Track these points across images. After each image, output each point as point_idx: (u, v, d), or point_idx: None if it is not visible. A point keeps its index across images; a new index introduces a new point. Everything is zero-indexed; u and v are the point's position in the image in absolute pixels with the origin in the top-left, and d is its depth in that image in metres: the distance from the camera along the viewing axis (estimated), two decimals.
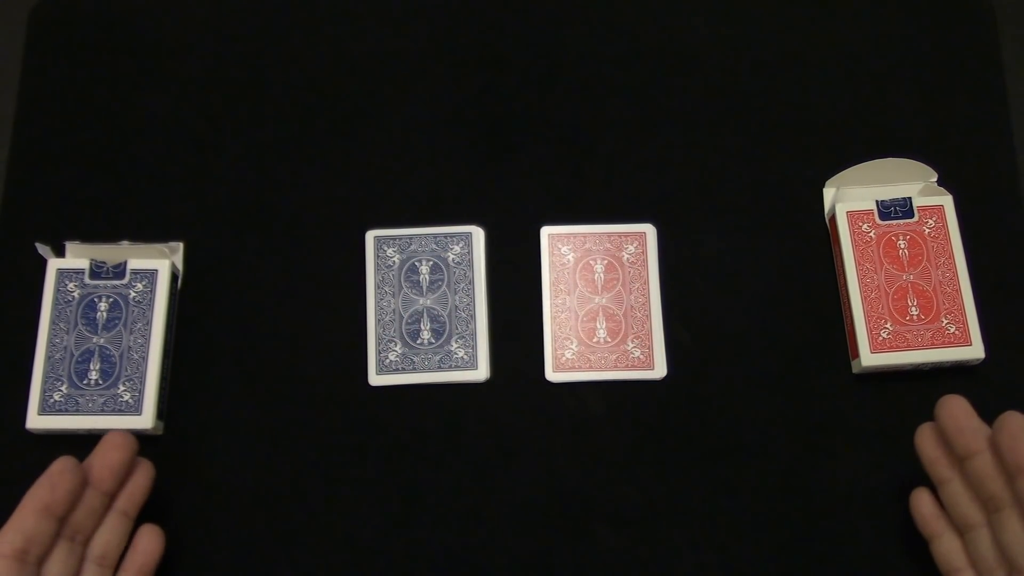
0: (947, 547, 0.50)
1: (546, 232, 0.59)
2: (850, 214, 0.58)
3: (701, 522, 0.55)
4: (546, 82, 0.63)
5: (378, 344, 0.57)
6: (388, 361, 0.57)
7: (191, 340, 0.58)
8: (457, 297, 0.58)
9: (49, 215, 0.60)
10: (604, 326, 0.58)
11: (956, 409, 0.49)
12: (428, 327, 0.57)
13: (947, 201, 0.58)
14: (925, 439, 0.50)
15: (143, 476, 0.52)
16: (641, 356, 0.57)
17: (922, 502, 0.51)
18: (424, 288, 0.58)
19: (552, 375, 0.57)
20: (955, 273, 0.57)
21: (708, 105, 0.62)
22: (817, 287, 0.59)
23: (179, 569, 0.54)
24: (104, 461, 0.50)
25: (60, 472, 0.48)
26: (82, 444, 0.56)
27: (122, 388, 0.55)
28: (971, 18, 0.64)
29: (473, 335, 0.57)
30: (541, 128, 0.62)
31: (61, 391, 0.55)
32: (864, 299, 0.56)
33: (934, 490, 0.51)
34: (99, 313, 0.56)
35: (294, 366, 0.57)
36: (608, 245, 0.59)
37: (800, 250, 0.60)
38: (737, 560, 0.54)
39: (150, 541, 0.51)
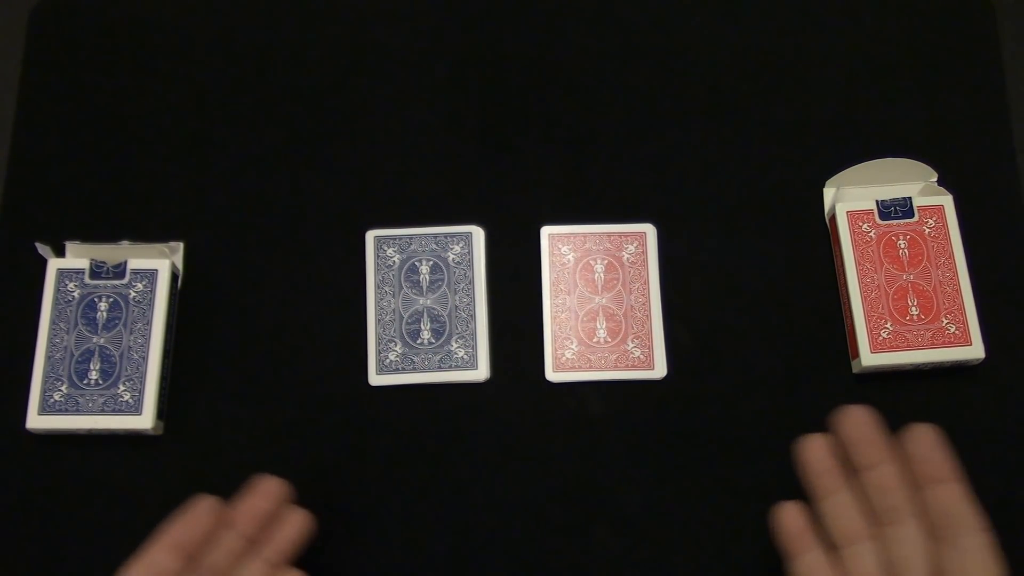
0: (812, 564, 0.46)
1: (546, 232, 0.59)
2: (850, 214, 0.58)
3: (701, 522, 0.55)
4: (546, 82, 0.63)
5: (378, 344, 0.57)
6: (388, 361, 0.57)
7: (191, 340, 0.58)
8: (457, 297, 0.58)
9: (49, 215, 0.60)
10: (604, 326, 0.58)
11: (862, 419, 0.47)
12: (428, 327, 0.57)
13: (947, 201, 0.58)
14: (815, 450, 0.48)
15: (295, 527, 0.49)
16: (641, 356, 0.57)
17: (792, 516, 0.48)
18: (424, 288, 0.58)
19: (552, 375, 0.57)
20: (955, 273, 0.57)
21: (708, 105, 0.62)
22: (817, 287, 0.59)
23: None
24: (250, 507, 0.48)
25: (199, 510, 0.47)
26: (82, 444, 0.56)
27: (122, 388, 0.55)
28: (971, 18, 0.64)
29: (473, 335, 0.57)
30: (541, 128, 0.62)
31: (61, 391, 0.55)
32: (864, 299, 0.56)
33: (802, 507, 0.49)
34: (99, 313, 0.56)
35: (294, 366, 0.57)
36: (608, 245, 0.59)
37: (800, 250, 0.60)
38: (737, 560, 0.54)
39: None
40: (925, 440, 0.46)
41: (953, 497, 0.45)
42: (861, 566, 0.45)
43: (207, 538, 0.47)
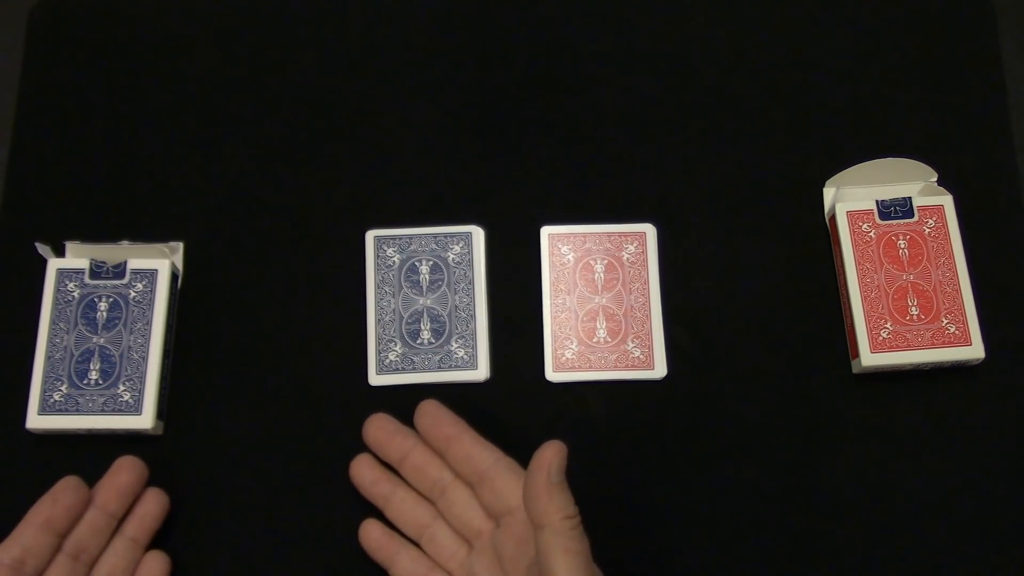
0: (407, 561, 0.51)
1: (546, 232, 0.59)
2: (850, 214, 0.58)
3: (701, 522, 0.55)
4: (546, 82, 0.63)
5: (378, 344, 0.57)
6: (388, 361, 0.57)
7: (191, 340, 0.58)
8: (457, 297, 0.58)
9: (49, 215, 0.60)
10: (604, 326, 0.58)
11: (378, 424, 0.53)
12: (428, 327, 0.57)
13: (947, 201, 0.58)
14: (360, 467, 0.53)
15: (155, 504, 0.52)
16: (641, 356, 0.57)
17: (372, 533, 0.52)
18: (424, 288, 0.58)
19: (552, 375, 0.57)
20: (955, 273, 0.57)
21: (708, 105, 0.62)
22: (817, 287, 0.59)
23: (179, 569, 0.54)
24: (110, 483, 0.51)
25: (63, 488, 0.49)
26: (82, 444, 0.56)
27: (122, 388, 0.55)
28: (971, 18, 0.64)
29: (473, 335, 0.57)
30: (541, 128, 0.62)
31: (61, 391, 0.55)
32: (864, 299, 0.56)
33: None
34: (99, 313, 0.56)
35: (294, 366, 0.57)
36: (608, 245, 0.59)
37: (800, 250, 0.60)
38: (737, 560, 0.54)
39: (156, 566, 0.52)
40: (428, 411, 0.52)
41: (466, 445, 0.50)
42: (436, 545, 0.51)
43: (71, 515, 0.49)
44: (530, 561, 0.47)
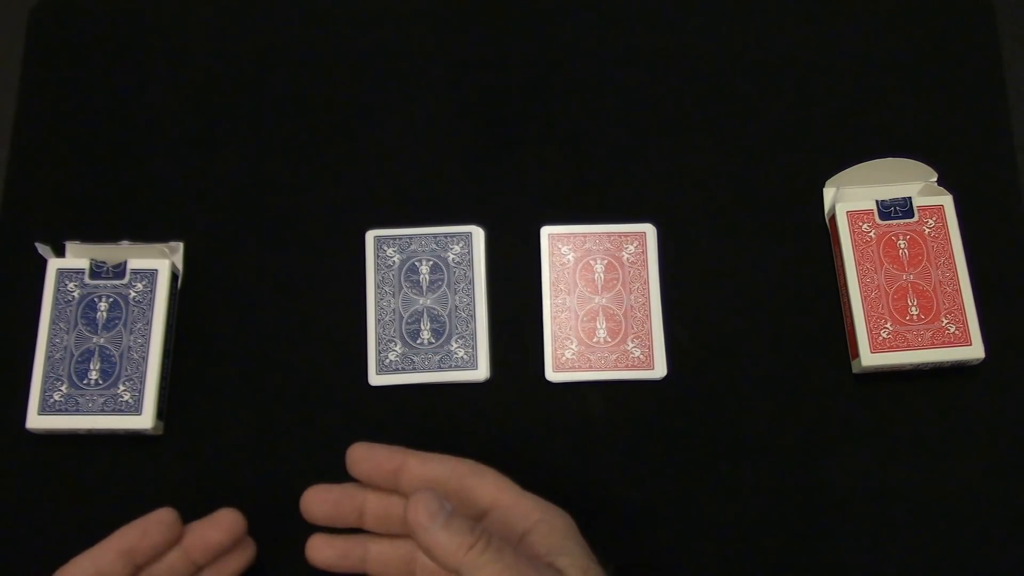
0: (378, 552, 0.50)
1: (546, 232, 0.59)
2: (850, 214, 0.58)
3: (701, 522, 0.55)
4: (546, 82, 0.63)
5: (378, 344, 0.57)
6: (388, 361, 0.57)
7: (191, 340, 0.58)
8: (457, 297, 0.58)
9: (49, 215, 0.60)
10: (604, 326, 0.58)
11: (320, 495, 0.50)
12: (428, 327, 0.57)
13: (947, 201, 0.58)
14: (319, 551, 0.50)
15: (240, 558, 0.51)
16: (641, 356, 0.57)
17: (320, 549, 0.50)
18: (424, 288, 0.58)
19: (552, 375, 0.57)
20: (955, 273, 0.57)
21: (708, 105, 0.62)
22: (817, 287, 0.59)
23: None
24: (203, 534, 0.49)
25: (156, 523, 0.48)
26: (82, 444, 0.56)
27: (122, 388, 0.55)
28: (971, 18, 0.64)
29: (473, 335, 0.57)
30: (541, 128, 0.62)
31: (61, 391, 0.55)
32: (864, 299, 0.56)
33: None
34: (99, 313, 0.56)
35: (294, 366, 0.57)
36: (608, 245, 0.59)
37: (800, 250, 0.60)
38: (737, 560, 0.54)
39: None
40: (360, 456, 0.49)
41: (417, 470, 0.48)
42: (434, 571, 0.49)
43: (156, 552, 0.48)
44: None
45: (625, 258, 0.59)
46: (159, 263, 0.57)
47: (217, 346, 0.58)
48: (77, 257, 0.57)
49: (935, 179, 0.59)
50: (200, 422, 0.56)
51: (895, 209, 0.58)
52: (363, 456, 0.49)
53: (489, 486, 0.47)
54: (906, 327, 0.56)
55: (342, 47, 0.63)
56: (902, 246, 0.57)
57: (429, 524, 0.42)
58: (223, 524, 0.49)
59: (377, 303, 0.58)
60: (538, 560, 0.44)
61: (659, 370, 0.57)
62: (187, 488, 0.55)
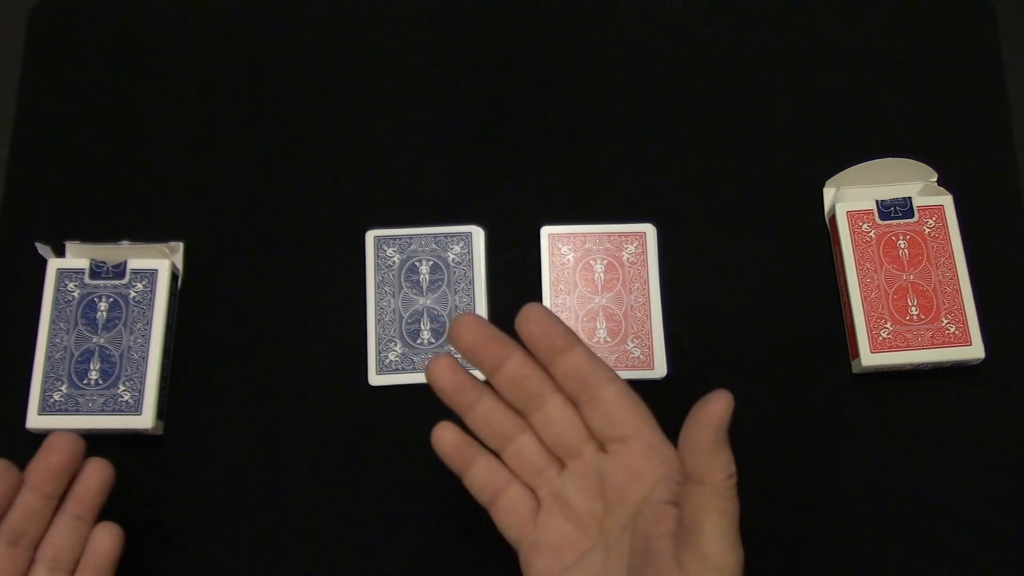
0: (485, 470, 0.47)
1: (546, 232, 0.59)
2: (850, 214, 0.58)
3: None
4: (546, 82, 0.63)
5: (378, 344, 0.57)
6: (388, 361, 0.57)
7: (191, 340, 0.58)
8: (457, 297, 0.58)
9: (49, 215, 0.60)
10: (604, 326, 0.58)
11: (472, 326, 0.46)
12: (428, 327, 0.57)
13: (947, 201, 0.58)
14: (441, 369, 0.46)
15: (96, 478, 0.49)
16: (641, 356, 0.57)
17: (446, 436, 0.47)
18: (424, 288, 0.58)
19: None
20: (955, 273, 0.57)
21: (708, 105, 0.62)
22: (817, 287, 0.59)
23: (179, 569, 0.54)
24: (40, 464, 0.48)
25: None
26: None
27: (122, 388, 0.55)
28: (971, 18, 0.64)
29: None
30: (541, 128, 0.62)
31: (61, 391, 0.55)
32: (864, 299, 0.56)
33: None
34: (99, 313, 0.56)
35: (294, 366, 0.57)
36: (608, 245, 0.59)
37: (800, 250, 0.60)
38: None
39: (104, 540, 0.49)
40: (535, 317, 0.45)
41: (578, 360, 0.45)
42: (522, 459, 0.47)
43: (2, 501, 0.47)
44: (641, 497, 0.45)
45: (625, 258, 0.59)
46: (159, 263, 0.57)
47: (217, 346, 0.58)
48: (77, 257, 0.57)
49: (935, 179, 0.59)
50: (200, 422, 0.56)
51: (895, 209, 0.58)
52: (539, 318, 0.45)
53: (639, 414, 0.45)
54: (906, 327, 0.56)
55: (342, 47, 0.63)
56: (902, 246, 0.57)
57: (723, 431, 0.41)
58: (54, 446, 0.48)
59: (377, 303, 0.58)
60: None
61: (659, 370, 0.57)
62: (187, 488, 0.55)
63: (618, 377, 0.46)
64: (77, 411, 0.54)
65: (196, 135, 0.62)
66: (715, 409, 0.41)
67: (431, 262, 0.58)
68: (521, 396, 0.46)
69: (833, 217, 0.59)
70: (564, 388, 0.46)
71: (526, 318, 0.45)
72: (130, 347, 0.55)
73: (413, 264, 0.58)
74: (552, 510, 0.46)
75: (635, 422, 0.45)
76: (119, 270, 0.57)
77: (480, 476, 0.47)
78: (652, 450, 0.45)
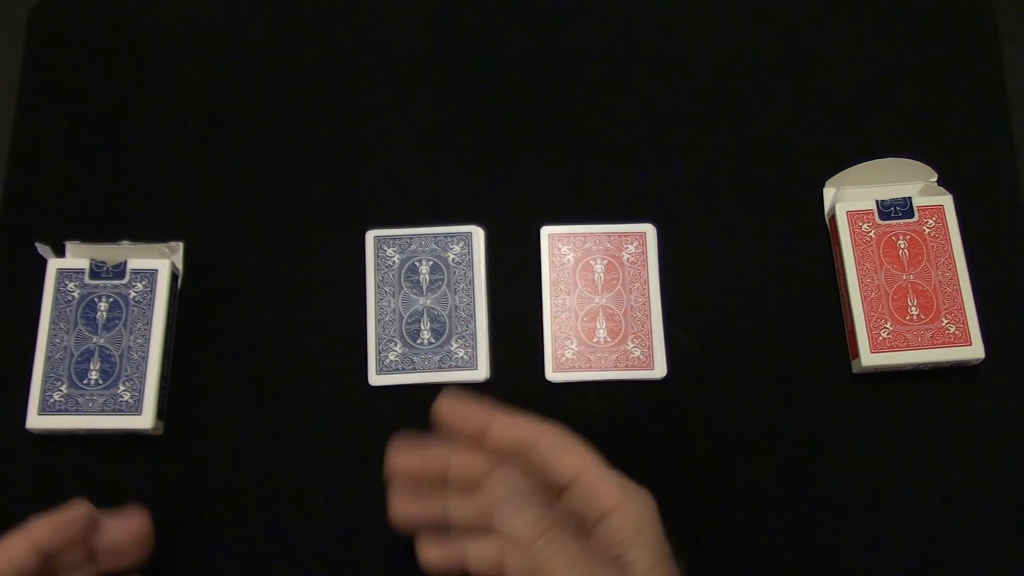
0: (477, 553, 0.49)
1: (546, 232, 0.59)
2: (850, 214, 0.58)
3: (701, 522, 0.55)
4: (546, 82, 0.63)
5: (378, 344, 0.57)
6: (388, 361, 0.57)
7: (191, 340, 0.58)
8: (457, 297, 0.58)
9: (49, 215, 0.60)
10: (604, 326, 0.58)
11: (403, 458, 0.49)
12: (428, 327, 0.57)
13: (947, 201, 0.58)
14: (403, 509, 0.50)
15: (137, 552, 0.51)
16: (641, 356, 0.57)
17: (431, 554, 0.49)
18: (424, 288, 0.58)
19: (552, 375, 0.57)
20: (955, 273, 0.57)
21: (708, 105, 0.62)
22: (817, 287, 0.59)
23: (179, 569, 0.54)
24: (111, 538, 0.49)
25: (78, 517, 0.48)
26: (82, 444, 0.56)
27: (122, 388, 0.55)
28: (971, 18, 0.64)
29: (473, 335, 0.57)
30: (541, 128, 0.62)
31: (61, 391, 0.55)
32: (864, 299, 0.56)
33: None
34: (99, 313, 0.56)
35: (294, 366, 0.57)
36: (608, 245, 0.59)
37: (800, 250, 0.60)
38: (737, 560, 0.54)
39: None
40: (445, 408, 0.48)
41: (501, 433, 0.47)
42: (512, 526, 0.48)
43: (72, 545, 0.48)
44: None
45: (625, 258, 0.59)
46: (159, 263, 0.57)
47: (217, 346, 0.58)
48: (77, 257, 0.57)
49: (935, 179, 0.59)
50: (200, 422, 0.56)
51: (895, 209, 0.58)
52: (450, 409, 0.48)
53: (573, 459, 0.46)
54: (906, 327, 0.56)
55: (342, 47, 0.63)
56: (902, 246, 0.57)
57: (504, 505, 0.44)
58: (132, 529, 0.50)
59: (377, 303, 0.58)
60: (608, 551, 0.44)
61: (659, 370, 0.57)
62: (187, 488, 0.55)
63: (547, 429, 0.47)
64: (77, 411, 0.54)
65: (196, 135, 0.62)
66: (491, 489, 0.45)
67: (431, 262, 0.58)
68: (475, 485, 0.49)
69: (833, 217, 0.59)
70: (506, 459, 0.48)
71: (438, 411, 0.48)
72: (130, 347, 0.55)
73: (413, 264, 0.58)
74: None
75: (573, 468, 0.46)
76: (119, 270, 0.57)
77: (478, 558, 0.48)
78: (591, 491, 0.46)
